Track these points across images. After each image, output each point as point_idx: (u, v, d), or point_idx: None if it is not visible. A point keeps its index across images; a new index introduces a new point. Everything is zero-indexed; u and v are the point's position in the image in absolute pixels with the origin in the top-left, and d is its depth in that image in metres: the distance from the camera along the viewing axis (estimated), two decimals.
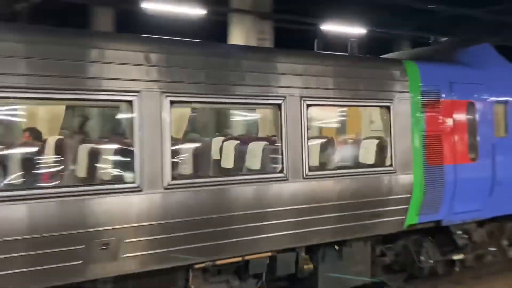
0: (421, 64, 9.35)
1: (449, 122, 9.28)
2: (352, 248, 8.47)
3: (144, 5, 16.36)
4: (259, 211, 7.36)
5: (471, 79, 9.63)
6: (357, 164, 8.78)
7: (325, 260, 8.32)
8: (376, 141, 8.81)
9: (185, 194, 6.84)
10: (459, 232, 9.58)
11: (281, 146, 7.64)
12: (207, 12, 17.36)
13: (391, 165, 8.58)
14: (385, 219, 8.58)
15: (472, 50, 10.21)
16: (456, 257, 9.58)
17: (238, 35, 17.18)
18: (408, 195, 8.70)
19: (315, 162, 8.31)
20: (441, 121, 9.27)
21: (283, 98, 7.54)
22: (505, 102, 9.93)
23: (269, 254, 7.68)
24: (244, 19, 17.56)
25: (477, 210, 9.57)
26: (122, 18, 20.85)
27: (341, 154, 9.00)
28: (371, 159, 8.74)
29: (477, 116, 9.51)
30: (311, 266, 8.19)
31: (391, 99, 8.68)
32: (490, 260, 10.29)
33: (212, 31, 18.18)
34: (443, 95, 9.28)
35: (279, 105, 7.53)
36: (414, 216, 9.04)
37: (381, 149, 8.73)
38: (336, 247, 8.35)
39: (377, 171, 8.51)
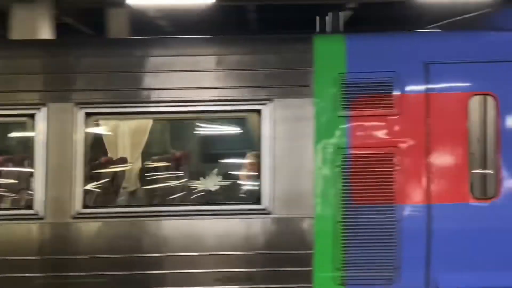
0: (356, 37, 5.75)
1: (416, 132, 5.35)
2: None
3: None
4: None
5: (488, 53, 5.55)
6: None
7: None
8: None
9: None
10: None
11: None
12: None
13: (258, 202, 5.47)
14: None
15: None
16: None
17: None
18: (307, 252, 5.42)
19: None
20: (391, 131, 5.40)
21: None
22: None
23: None
24: None
25: None
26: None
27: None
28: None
29: (500, 120, 5.35)
30: None
31: (265, 100, 5.85)
32: None
33: None
34: (406, 87, 5.41)
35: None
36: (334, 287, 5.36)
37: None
38: None
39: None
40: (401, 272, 5.14)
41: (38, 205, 5.48)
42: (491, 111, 5.21)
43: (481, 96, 5.23)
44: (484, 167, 5.21)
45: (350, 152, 5.21)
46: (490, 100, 5.21)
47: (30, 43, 7.33)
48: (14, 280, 5.43)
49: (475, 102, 5.24)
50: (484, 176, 5.20)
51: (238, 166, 6.51)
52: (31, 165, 5.61)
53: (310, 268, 5.16)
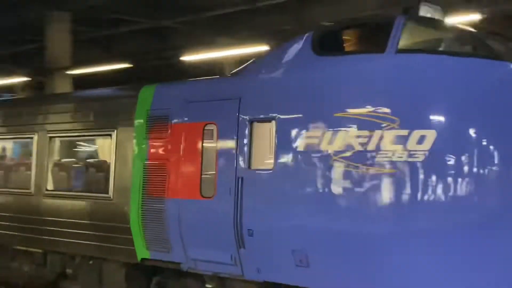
0: (160, 85, 8.15)
1: (178, 150, 7.51)
2: (104, 267, 8.59)
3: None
4: None
5: (217, 93, 7.42)
6: (85, 188, 9.05)
7: (84, 270, 8.94)
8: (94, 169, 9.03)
9: None
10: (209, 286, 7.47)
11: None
12: None
13: (107, 192, 8.35)
14: (117, 246, 8.09)
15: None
16: None
17: None
18: (127, 225, 7.95)
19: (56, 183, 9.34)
20: (166, 149, 7.65)
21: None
22: (271, 119, 6.68)
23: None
24: None
25: (229, 264, 6.99)
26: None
27: (74, 177, 9.29)
28: (91, 185, 8.91)
29: (219, 142, 7.13)
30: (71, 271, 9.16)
31: (114, 128, 8.34)
32: None
33: None
34: (174, 119, 7.57)
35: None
36: (145, 250, 7.82)
37: (100, 177, 8.68)
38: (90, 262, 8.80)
39: (95, 196, 8.55)
40: (171, 245, 7.54)
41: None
42: (214, 134, 7.13)
43: (210, 124, 7.20)
44: (208, 174, 7.18)
45: (147, 163, 7.83)
46: (214, 127, 7.14)
47: None
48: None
49: (207, 129, 7.25)
50: (208, 180, 7.17)
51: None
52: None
53: (131, 236, 8.00)
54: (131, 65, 18.30)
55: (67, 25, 16.99)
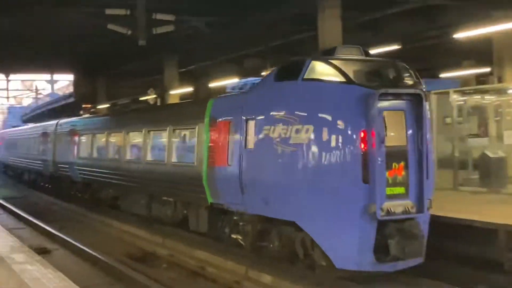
0: (214, 100, 13.20)
1: (219, 137, 12.08)
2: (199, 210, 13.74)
3: None
4: None
5: (234, 104, 12.21)
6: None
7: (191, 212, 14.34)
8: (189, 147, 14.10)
9: None
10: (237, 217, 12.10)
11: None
12: None
13: (193, 162, 13.48)
14: (200, 195, 12.92)
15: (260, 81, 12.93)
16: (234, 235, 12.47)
17: None
18: (202, 182, 12.77)
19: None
20: (214, 136, 12.26)
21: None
22: (253, 119, 11.20)
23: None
24: None
25: (237, 203, 11.67)
26: None
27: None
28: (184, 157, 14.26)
29: (233, 132, 11.77)
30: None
31: (196, 124, 13.34)
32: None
33: None
34: (218, 118, 12.37)
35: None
36: (211, 198, 12.49)
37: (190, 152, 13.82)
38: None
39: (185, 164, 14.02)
40: (218, 194, 12.59)
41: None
42: (232, 128, 12.20)
43: (231, 121, 12.20)
44: (231, 151, 12.23)
45: (209, 145, 12.84)
46: (232, 123, 12.14)
47: None
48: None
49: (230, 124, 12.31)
50: (230, 155, 12.27)
51: None
52: None
53: (204, 189, 13.09)
54: (399, 47, 18.44)
55: (338, 11, 17.35)
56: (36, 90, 65.78)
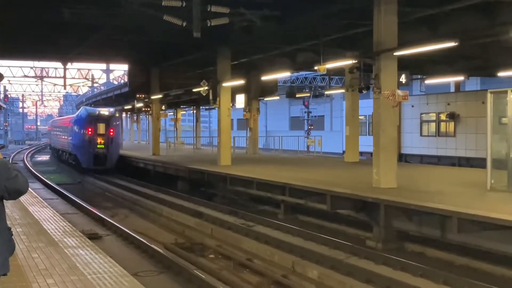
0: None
1: None
2: None
3: None
4: None
5: None
6: None
7: None
8: None
9: None
10: None
11: None
12: None
13: None
14: None
15: None
16: None
17: None
18: None
19: None
20: None
21: None
22: None
23: None
24: None
25: None
26: None
27: None
28: None
29: None
30: None
31: None
32: None
33: None
34: None
35: None
36: None
37: None
38: None
39: None
40: None
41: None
42: None
43: None
44: None
45: None
46: None
47: None
48: None
49: None
50: None
51: None
52: None
53: None
54: (456, 43, 17.30)
55: (395, 6, 16.85)
56: (92, 78, 67.29)
